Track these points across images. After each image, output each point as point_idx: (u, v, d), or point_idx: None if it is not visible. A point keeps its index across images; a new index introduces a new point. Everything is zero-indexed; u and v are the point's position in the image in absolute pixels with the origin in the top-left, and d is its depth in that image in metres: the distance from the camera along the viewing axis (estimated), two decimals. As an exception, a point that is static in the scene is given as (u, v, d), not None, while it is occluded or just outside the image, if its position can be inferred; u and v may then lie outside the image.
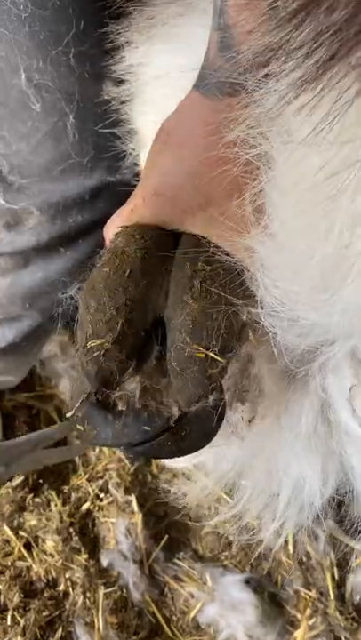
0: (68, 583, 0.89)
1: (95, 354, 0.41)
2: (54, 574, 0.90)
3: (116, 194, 0.67)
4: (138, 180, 0.55)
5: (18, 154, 0.63)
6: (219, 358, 0.41)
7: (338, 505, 0.55)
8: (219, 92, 0.40)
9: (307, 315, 0.40)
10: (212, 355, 0.41)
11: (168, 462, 0.58)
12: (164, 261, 0.43)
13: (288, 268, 0.40)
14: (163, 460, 0.58)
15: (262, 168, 0.39)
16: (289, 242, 0.39)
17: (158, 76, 0.56)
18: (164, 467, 1.07)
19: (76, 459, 1.06)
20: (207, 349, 0.41)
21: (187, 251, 0.42)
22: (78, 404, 0.42)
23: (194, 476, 0.63)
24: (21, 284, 0.71)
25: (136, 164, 0.66)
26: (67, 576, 0.90)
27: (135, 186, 0.48)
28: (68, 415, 0.43)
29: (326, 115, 0.31)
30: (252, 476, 0.53)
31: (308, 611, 0.98)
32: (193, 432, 0.41)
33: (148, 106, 0.58)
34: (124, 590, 0.93)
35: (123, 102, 0.61)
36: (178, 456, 0.41)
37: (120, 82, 0.61)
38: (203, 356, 0.41)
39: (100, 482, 1.03)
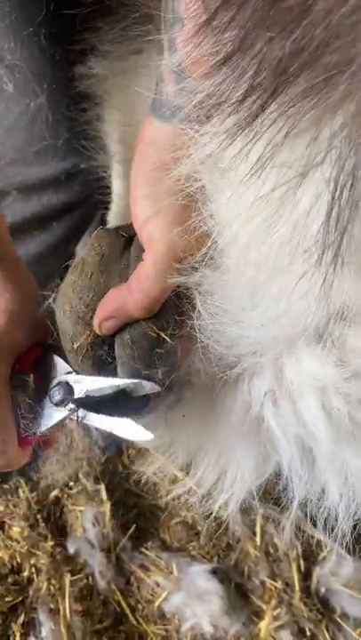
0: (33, 570, 0.89)
1: (84, 350, 0.48)
2: (19, 560, 0.90)
3: (91, 178, 0.68)
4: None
5: None
6: (168, 339, 0.47)
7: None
8: (174, 119, 0.44)
9: (232, 329, 0.46)
10: (163, 335, 0.47)
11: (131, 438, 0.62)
12: (119, 259, 0.49)
13: (221, 289, 0.46)
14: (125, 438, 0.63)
15: (203, 201, 0.43)
16: (226, 267, 0.45)
17: (126, 104, 0.59)
18: (136, 457, 1.07)
19: (47, 447, 1.06)
20: (160, 331, 0.47)
21: (137, 255, 0.49)
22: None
23: (152, 456, 0.66)
24: None
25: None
26: (32, 562, 0.89)
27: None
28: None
29: (260, 157, 0.35)
30: (203, 456, 0.60)
31: (274, 601, 0.99)
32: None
33: (114, 129, 0.62)
34: (90, 578, 0.94)
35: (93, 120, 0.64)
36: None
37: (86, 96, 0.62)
38: (155, 335, 0.47)
39: (70, 470, 1.03)
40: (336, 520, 0.58)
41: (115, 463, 1.06)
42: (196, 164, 0.42)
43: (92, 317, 0.48)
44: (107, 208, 0.68)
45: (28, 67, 0.61)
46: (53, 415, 0.49)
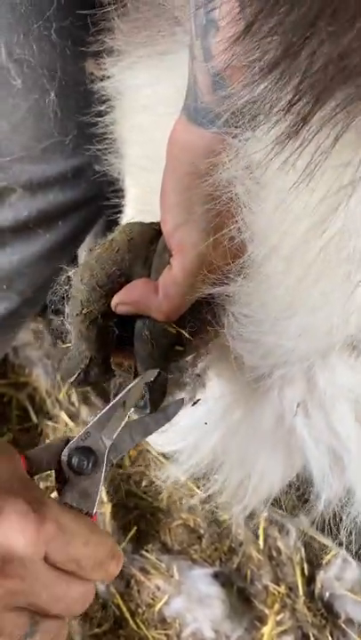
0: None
1: (93, 317, 0.47)
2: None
3: (100, 175, 0.67)
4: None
5: None
6: (188, 336, 0.46)
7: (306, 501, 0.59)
8: (212, 125, 0.43)
9: (268, 338, 0.45)
10: (184, 332, 0.46)
11: (153, 444, 0.62)
12: (148, 244, 0.48)
13: (256, 299, 0.45)
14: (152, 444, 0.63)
15: (243, 208, 0.42)
16: (262, 276, 0.44)
17: (145, 107, 0.58)
18: (137, 459, 1.05)
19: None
20: (180, 328, 0.46)
21: (161, 251, 0.48)
22: (81, 370, 0.48)
23: (166, 467, 0.66)
24: None
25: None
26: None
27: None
28: (70, 381, 0.48)
29: (308, 164, 0.34)
30: (224, 465, 0.60)
31: (277, 606, 0.97)
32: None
33: (133, 133, 0.61)
34: (90, 581, 0.92)
35: (108, 124, 0.63)
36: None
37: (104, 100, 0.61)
38: (174, 332, 0.46)
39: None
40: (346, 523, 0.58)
41: (116, 464, 1.05)
42: (234, 172, 0.41)
43: (110, 290, 0.47)
44: (115, 210, 0.65)
45: (38, 61, 0.59)
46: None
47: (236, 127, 0.40)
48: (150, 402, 0.45)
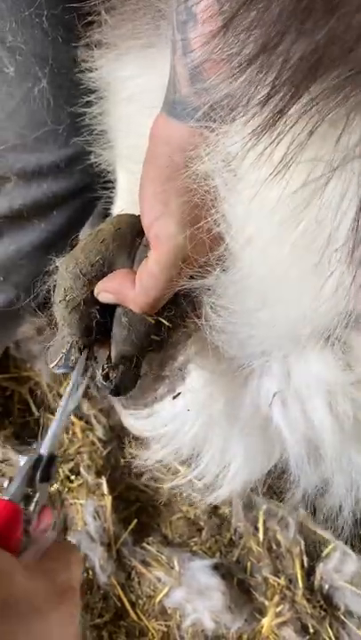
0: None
1: (76, 304, 0.48)
2: (19, 553, 0.89)
3: (91, 165, 0.67)
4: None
5: None
6: (166, 322, 0.47)
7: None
8: (190, 119, 0.43)
9: (242, 329, 0.46)
10: (163, 320, 0.47)
11: (135, 429, 0.62)
12: (134, 236, 0.49)
13: (231, 291, 0.45)
14: (130, 428, 0.64)
15: (219, 201, 0.43)
16: (237, 268, 0.45)
17: (129, 98, 0.58)
18: (136, 448, 1.06)
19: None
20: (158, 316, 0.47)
21: (146, 245, 0.48)
22: (62, 355, 0.49)
23: (153, 447, 0.65)
24: None
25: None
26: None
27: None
28: (51, 366, 0.49)
29: (284, 156, 0.35)
30: (205, 452, 0.61)
31: (277, 598, 0.97)
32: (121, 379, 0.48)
33: (121, 123, 0.61)
34: (91, 572, 0.93)
35: (97, 114, 0.63)
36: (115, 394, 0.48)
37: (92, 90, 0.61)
38: (152, 321, 0.47)
39: (72, 464, 1.02)
40: (339, 515, 0.59)
41: (116, 457, 1.05)
42: (212, 165, 0.42)
43: (94, 277, 0.48)
44: (108, 201, 0.66)
45: (30, 49, 0.59)
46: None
47: (213, 120, 0.40)
48: (116, 385, 0.47)
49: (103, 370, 0.48)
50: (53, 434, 0.44)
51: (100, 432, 1.05)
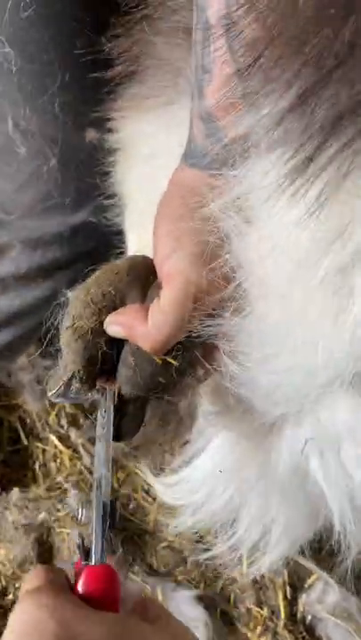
0: (18, 593, 0.89)
1: (83, 332, 0.47)
2: (4, 583, 0.90)
3: (95, 231, 0.70)
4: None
5: (2, 192, 0.67)
6: (174, 362, 0.45)
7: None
8: (202, 165, 0.45)
9: (262, 376, 0.44)
10: (170, 360, 0.45)
11: (167, 497, 0.61)
12: (147, 274, 0.49)
13: (245, 335, 0.44)
14: (161, 496, 0.62)
15: (230, 242, 0.43)
16: (250, 311, 0.44)
17: (151, 155, 0.60)
18: (125, 481, 1.07)
19: (36, 469, 1.07)
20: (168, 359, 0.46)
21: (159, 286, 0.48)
22: (63, 383, 0.47)
23: (178, 512, 0.64)
24: None
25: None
26: (16, 586, 0.89)
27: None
28: (49, 394, 0.48)
29: (317, 197, 0.35)
30: (241, 518, 0.58)
31: (259, 629, 0.98)
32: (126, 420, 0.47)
33: (138, 183, 0.63)
34: (76, 602, 0.93)
35: (108, 178, 0.66)
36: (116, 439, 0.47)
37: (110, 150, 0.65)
38: (160, 362, 0.45)
39: (59, 492, 1.03)
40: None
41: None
42: (223, 205, 0.42)
43: (104, 308, 0.47)
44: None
45: (41, 133, 0.63)
46: None
47: (225, 167, 0.42)
48: (117, 429, 0.46)
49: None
50: (108, 481, 0.43)
51: (87, 461, 1.06)
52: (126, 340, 0.47)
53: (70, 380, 0.47)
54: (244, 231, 0.42)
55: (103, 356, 0.47)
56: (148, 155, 0.60)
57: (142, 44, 0.57)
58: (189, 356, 0.47)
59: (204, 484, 0.56)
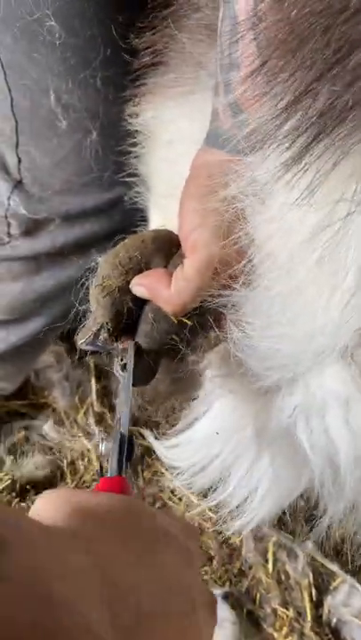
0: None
1: (111, 290, 0.51)
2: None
3: (133, 205, 0.72)
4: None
5: (41, 168, 0.68)
6: (188, 322, 0.50)
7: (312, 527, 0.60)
8: (225, 148, 0.48)
9: (262, 343, 0.49)
10: (185, 320, 0.50)
11: (168, 459, 0.64)
12: (171, 245, 0.53)
13: (253, 305, 0.49)
14: (163, 459, 0.66)
15: (245, 220, 0.47)
16: (259, 283, 0.48)
17: (170, 141, 0.64)
18: (150, 480, 1.08)
19: (64, 467, 1.08)
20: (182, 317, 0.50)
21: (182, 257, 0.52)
22: (92, 333, 0.51)
23: (180, 493, 0.68)
24: (33, 290, 0.75)
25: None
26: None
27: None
28: (79, 342, 0.52)
29: (309, 184, 0.39)
30: (231, 477, 0.61)
31: (285, 630, 0.99)
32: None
33: (160, 166, 0.67)
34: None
35: (136, 157, 0.68)
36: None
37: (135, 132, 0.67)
38: (175, 321, 0.50)
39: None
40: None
41: (130, 484, 1.08)
42: (240, 188, 0.46)
43: (130, 270, 0.52)
44: None
45: (83, 106, 0.65)
46: None
47: (245, 150, 0.45)
48: (134, 377, 0.50)
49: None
50: (126, 415, 0.46)
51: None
52: (149, 300, 0.51)
53: (99, 330, 0.51)
54: (257, 211, 0.46)
55: (128, 312, 0.52)
56: (167, 141, 0.63)
57: (167, 38, 0.61)
58: (202, 319, 0.51)
59: (203, 445, 0.59)
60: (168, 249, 0.53)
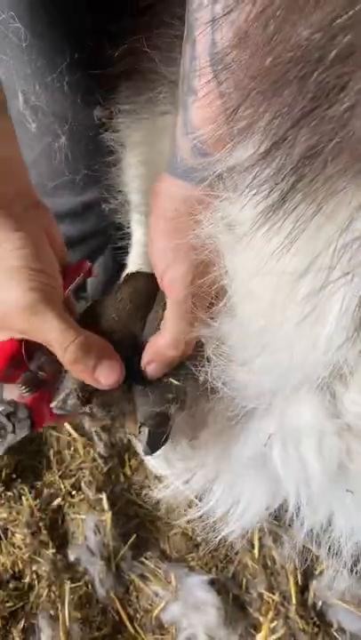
0: (34, 576, 0.91)
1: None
2: (21, 566, 0.92)
3: (108, 207, 0.71)
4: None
5: None
6: (177, 383, 0.52)
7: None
8: (191, 181, 0.47)
9: (241, 374, 0.50)
10: (173, 380, 0.52)
11: (152, 466, 0.66)
12: (147, 300, 0.54)
13: (233, 337, 0.49)
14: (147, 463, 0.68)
15: (222, 257, 0.47)
16: (239, 317, 0.49)
17: (144, 161, 0.63)
18: (137, 469, 1.09)
19: (51, 456, 1.08)
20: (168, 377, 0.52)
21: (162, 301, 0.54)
22: (61, 398, 0.52)
23: (166, 480, 0.69)
24: None
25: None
26: (33, 569, 0.91)
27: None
28: (52, 405, 0.53)
29: (289, 233, 0.39)
30: (215, 489, 0.64)
31: (271, 614, 1.00)
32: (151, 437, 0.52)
33: (135, 183, 0.67)
34: (90, 586, 0.95)
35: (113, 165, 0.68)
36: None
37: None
38: (166, 381, 0.52)
39: (73, 479, 1.05)
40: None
41: (117, 474, 1.08)
42: (215, 227, 0.46)
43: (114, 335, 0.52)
44: (121, 246, 0.69)
45: (51, 109, 0.64)
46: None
47: (215, 188, 0.44)
48: (146, 445, 0.51)
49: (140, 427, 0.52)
50: None
51: (101, 449, 1.08)
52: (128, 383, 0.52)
53: (68, 395, 0.52)
54: (235, 251, 0.46)
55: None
56: (140, 161, 0.63)
57: (139, 55, 0.59)
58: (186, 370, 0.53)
59: (183, 457, 0.62)
60: (146, 302, 0.54)
